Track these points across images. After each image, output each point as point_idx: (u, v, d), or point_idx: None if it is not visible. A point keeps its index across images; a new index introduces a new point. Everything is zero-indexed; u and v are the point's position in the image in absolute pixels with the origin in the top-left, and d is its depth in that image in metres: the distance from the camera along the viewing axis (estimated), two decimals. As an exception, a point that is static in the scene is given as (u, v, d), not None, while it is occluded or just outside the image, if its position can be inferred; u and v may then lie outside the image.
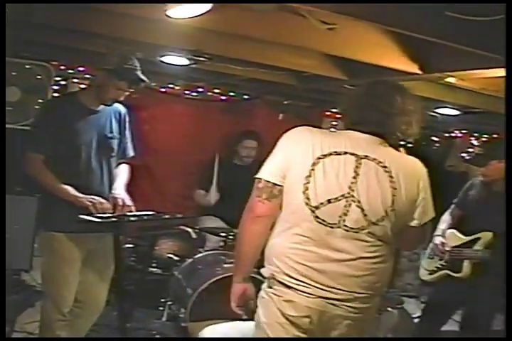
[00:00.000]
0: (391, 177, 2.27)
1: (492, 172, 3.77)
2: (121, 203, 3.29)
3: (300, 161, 2.29)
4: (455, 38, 2.64)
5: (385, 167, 2.28)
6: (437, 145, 7.16)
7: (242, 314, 2.56)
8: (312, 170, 2.26)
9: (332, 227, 2.26)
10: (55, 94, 5.00)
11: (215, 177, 5.41)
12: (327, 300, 2.28)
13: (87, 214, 3.04)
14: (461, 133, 7.07)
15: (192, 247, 5.11)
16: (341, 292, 2.28)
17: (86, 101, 3.36)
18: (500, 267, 3.49)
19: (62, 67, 5.19)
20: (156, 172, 5.84)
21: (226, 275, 4.33)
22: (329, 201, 2.25)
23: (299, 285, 2.28)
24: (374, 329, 2.51)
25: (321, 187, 2.26)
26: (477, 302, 3.74)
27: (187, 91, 5.94)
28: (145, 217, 3.18)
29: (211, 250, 4.95)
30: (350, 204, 2.25)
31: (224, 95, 6.04)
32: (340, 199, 2.25)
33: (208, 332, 4.19)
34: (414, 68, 3.23)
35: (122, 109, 3.58)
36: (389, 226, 2.30)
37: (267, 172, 2.34)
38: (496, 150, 3.82)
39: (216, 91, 6.00)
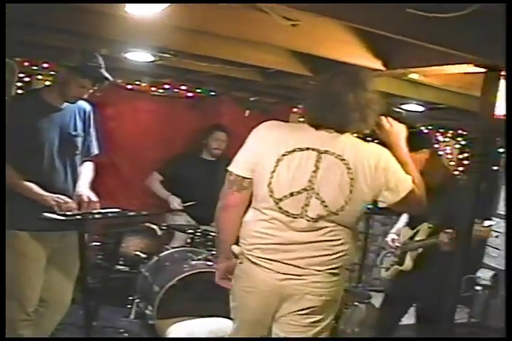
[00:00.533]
0: (349, 168, 2.44)
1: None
2: (86, 200, 3.27)
3: (266, 157, 2.51)
4: (417, 35, 2.66)
5: (343, 160, 2.45)
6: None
7: (229, 286, 2.72)
8: (276, 165, 2.48)
9: (295, 218, 2.48)
10: (19, 91, 4.94)
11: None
12: (288, 276, 2.50)
13: (51, 212, 3.01)
14: (427, 129, 7.14)
15: (159, 244, 5.10)
16: (301, 269, 2.50)
17: (49, 98, 3.32)
18: (437, 257, 3.58)
19: (26, 64, 5.12)
20: (122, 169, 5.79)
21: (193, 272, 4.34)
22: (291, 194, 2.47)
23: (264, 262, 2.52)
24: (335, 310, 2.70)
25: (283, 181, 2.47)
26: (424, 294, 3.81)
27: (153, 88, 5.90)
28: (110, 215, 3.16)
29: (178, 247, 4.94)
30: (310, 197, 2.46)
31: (190, 92, 6.02)
32: (301, 193, 2.46)
33: (175, 329, 4.19)
34: (377, 64, 3.26)
35: (87, 106, 3.55)
36: (351, 214, 2.51)
37: (237, 165, 2.58)
38: (410, 143, 3.86)
39: (183, 87, 5.98)
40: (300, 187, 2.46)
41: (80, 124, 3.48)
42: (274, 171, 2.48)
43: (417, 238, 3.84)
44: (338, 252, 2.54)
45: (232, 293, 2.71)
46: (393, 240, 4.07)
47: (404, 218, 4.23)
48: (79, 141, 3.47)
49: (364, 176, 2.46)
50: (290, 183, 2.47)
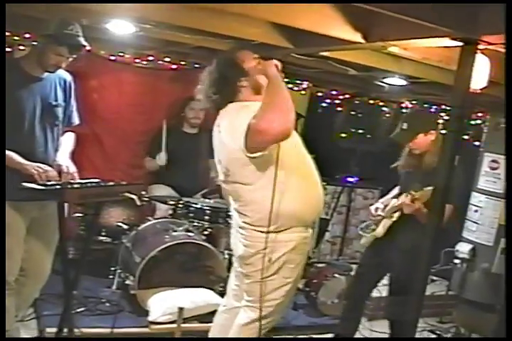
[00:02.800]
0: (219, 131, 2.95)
1: (420, 145, 3.86)
2: (65, 170, 3.28)
3: None
4: (395, 7, 2.67)
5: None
6: (387, 115, 7.25)
7: None
8: None
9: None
10: (0, 61, 4.90)
11: (163, 143, 5.43)
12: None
13: (30, 182, 3.02)
14: (411, 103, 7.16)
15: (141, 216, 5.14)
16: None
17: (28, 67, 3.30)
18: (409, 226, 3.68)
19: (8, 34, 5.07)
20: (104, 141, 5.79)
21: (174, 242, 4.38)
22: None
23: None
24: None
25: None
26: (396, 263, 3.88)
27: (137, 60, 5.87)
28: (89, 185, 3.17)
29: (160, 218, 4.98)
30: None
31: (174, 64, 6.00)
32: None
33: (156, 299, 4.25)
34: (357, 37, 3.25)
35: (68, 76, 3.54)
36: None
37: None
38: (420, 123, 3.91)
39: (166, 59, 5.95)
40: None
41: (60, 94, 3.47)
42: None
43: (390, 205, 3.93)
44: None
45: None
46: (377, 209, 4.12)
47: (395, 190, 4.28)
48: (59, 110, 3.47)
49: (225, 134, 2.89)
50: None
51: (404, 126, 3.88)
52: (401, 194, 3.95)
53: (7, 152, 3.16)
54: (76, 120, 3.63)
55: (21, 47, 5.18)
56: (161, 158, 5.43)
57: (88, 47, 3.31)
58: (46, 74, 3.35)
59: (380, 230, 3.92)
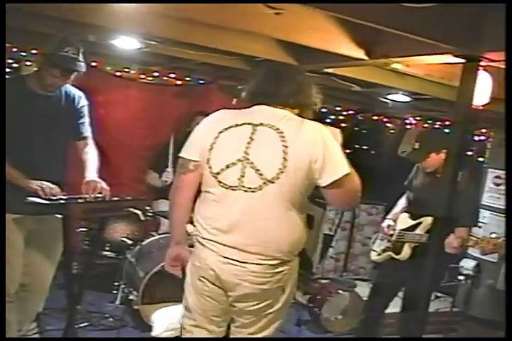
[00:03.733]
0: (282, 136, 2.48)
1: (433, 164, 3.87)
2: (97, 187, 3.25)
3: (207, 137, 2.59)
4: (398, 25, 2.70)
5: (277, 129, 2.50)
6: (392, 131, 7.28)
7: (177, 274, 2.78)
8: (214, 143, 2.56)
9: (234, 189, 2.51)
10: (7, 77, 4.94)
11: (170, 159, 5.44)
12: (228, 260, 2.52)
13: (35, 197, 3.03)
14: (415, 119, 7.18)
15: (145, 231, 5.14)
16: (242, 253, 2.51)
17: (32, 85, 3.31)
18: (437, 250, 3.63)
19: (15, 50, 5.13)
20: (109, 155, 5.79)
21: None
22: (227, 166, 2.52)
23: (208, 243, 2.56)
24: (278, 304, 2.66)
25: (220, 155, 2.56)
26: (415, 284, 3.85)
27: (142, 76, 5.92)
28: (93, 199, 3.18)
29: (164, 234, 4.98)
30: (245, 167, 2.50)
31: (179, 79, 6.04)
32: (236, 164, 2.51)
33: (159, 314, 4.24)
34: (360, 54, 3.29)
35: (77, 92, 3.53)
36: (288, 185, 2.47)
37: (184, 150, 2.67)
38: (432, 142, 3.93)
39: (171, 75, 6.00)
40: (235, 159, 2.51)
41: (68, 110, 3.48)
42: (211, 148, 2.55)
43: (417, 231, 3.90)
44: (281, 234, 2.54)
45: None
46: (389, 226, 4.12)
47: (402, 203, 4.28)
48: (65, 126, 3.48)
49: (300, 145, 2.47)
50: (226, 156, 2.54)
51: (416, 145, 3.89)
52: (416, 211, 3.99)
53: (11, 170, 3.17)
54: (87, 134, 3.62)
55: (27, 63, 5.23)
56: (167, 176, 5.44)
57: (83, 69, 3.25)
58: (50, 92, 3.35)
59: (406, 254, 3.90)
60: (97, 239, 4.19)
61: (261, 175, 2.48)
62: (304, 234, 2.64)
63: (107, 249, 5.11)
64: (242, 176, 2.49)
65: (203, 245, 2.60)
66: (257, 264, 2.51)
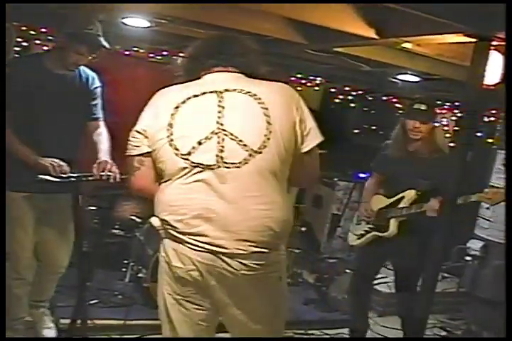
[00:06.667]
0: (258, 99, 2.19)
1: (422, 130, 3.75)
2: (109, 167, 3.27)
3: (158, 119, 2.23)
4: (409, 3, 2.68)
5: (249, 92, 2.20)
6: (400, 112, 7.24)
7: None
8: (172, 119, 2.19)
9: (213, 169, 2.13)
10: (16, 56, 4.93)
11: None
12: (215, 255, 2.15)
13: (46, 175, 3.06)
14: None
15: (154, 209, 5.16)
16: (229, 243, 2.13)
17: (49, 65, 3.35)
18: (425, 224, 3.63)
19: (24, 28, 5.11)
20: (118, 135, 5.81)
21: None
22: (199, 143, 2.15)
23: (187, 237, 2.16)
24: (283, 291, 2.38)
25: (185, 132, 2.18)
26: (405, 260, 3.86)
27: (151, 55, 5.89)
28: (103, 177, 3.20)
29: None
30: (223, 140, 2.14)
31: (189, 59, 6.01)
32: (210, 138, 2.15)
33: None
34: (370, 33, 3.27)
35: (91, 73, 3.57)
36: (276, 154, 2.17)
37: (131, 147, 2.32)
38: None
39: (181, 55, 5.96)
40: (208, 132, 2.15)
41: (81, 91, 3.50)
42: (170, 127, 2.18)
43: (401, 205, 3.89)
44: (270, 218, 2.18)
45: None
46: (366, 209, 4.12)
47: (369, 186, 4.28)
48: (79, 105, 3.50)
49: (279, 107, 2.20)
50: (195, 131, 2.17)
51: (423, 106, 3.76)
52: (390, 190, 3.99)
53: (21, 147, 3.21)
54: (98, 115, 3.65)
55: (37, 42, 5.22)
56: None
57: (108, 47, 3.31)
58: (67, 70, 3.37)
59: (393, 230, 3.89)
60: (107, 217, 4.23)
61: (244, 145, 2.13)
62: (291, 214, 2.32)
63: (117, 227, 5.15)
64: (221, 151, 2.13)
65: (180, 240, 2.19)
66: (248, 253, 2.15)
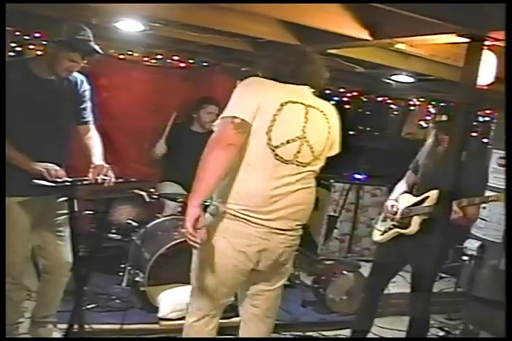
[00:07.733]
0: (327, 119, 2.87)
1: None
2: (104, 172, 3.27)
3: (267, 106, 2.69)
4: (402, 4, 2.68)
5: (322, 111, 2.86)
6: (395, 113, 7.26)
7: (196, 240, 2.67)
8: (276, 115, 2.69)
9: (287, 163, 2.74)
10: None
11: (165, 132, 5.47)
12: (273, 230, 2.77)
13: (41, 179, 3.04)
14: (419, 101, 7.16)
15: (150, 213, 5.16)
16: (287, 221, 2.81)
17: (37, 70, 3.31)
18: (445, 224, 3.64)
19: (18, 33, 5.11)
20: (114, 138, 5.81)
21: (183, 239, 4.40)
22: (288, 141, 2.73)
23: (253, 217, 2.73)
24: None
25: (281, 130, 2.71)
26: (423, 259, 3.86)
27: (146, 59, 5.90)
28: (99, 181, 3.20)
29: (169, 216, 5.01)
30: (302, 144, 2.76)
31: (183, 62, 6.02)
32: (295, 140, 2.74)
33: (165, 295, 4.28)
34: (364, 34, 3.27)
35: (80, 76, 3.54)
36: (322, 161, 2.92)
37: (243, 111, 2.66)
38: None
39: (175, 58, 5.98)
40: (295, 136, 2.74)
41: (72, 94, 3.49)
42: (274, 120, 2.68)
43: (425, 204, 3.90)
44: (309, 201, 2.90)
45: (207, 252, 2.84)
46: (392, 206, 4.13)
47: (401, 186, 4.28)
48: (69, 110, 3.49)
49: (334, 125, 2.91)
50: (288, 132, 2.73)
51: (444, 117, 3.81)
52: (418, 189, 3.98)
53: (15, 153, 3.19)
54: (87, 118, 3.63)
55: (31, 46, 5.21)
56: (159, 147, 5.48)
57: (101, 52, 3.30)
58: (55, 76, 3.35)
59: (414, 227, 3.90)
60: (103, 221, 4.22)
61: (313, 152, 2.80)
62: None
63: (113, 231, 5.15)
64: (298, 152, 2.75)
65: (245, 220, 2.73)
66: (295, 230, 2.89)
